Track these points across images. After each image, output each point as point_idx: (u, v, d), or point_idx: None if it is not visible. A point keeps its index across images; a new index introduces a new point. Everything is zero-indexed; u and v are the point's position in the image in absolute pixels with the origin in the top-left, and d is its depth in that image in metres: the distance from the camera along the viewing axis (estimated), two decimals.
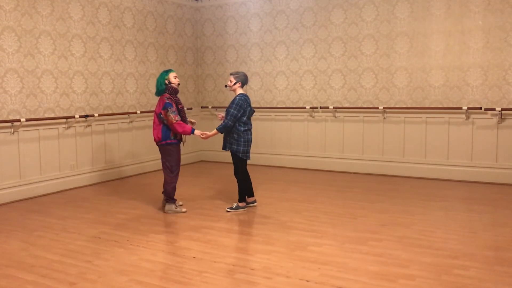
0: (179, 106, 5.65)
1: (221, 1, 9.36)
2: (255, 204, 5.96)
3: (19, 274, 3.92)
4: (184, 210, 5.78)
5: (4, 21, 6.25)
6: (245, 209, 5.85)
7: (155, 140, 5.68)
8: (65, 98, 7.08)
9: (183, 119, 5.69)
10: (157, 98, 5.92)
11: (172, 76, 5.62)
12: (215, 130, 5.68)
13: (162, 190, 5.88)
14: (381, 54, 7.79)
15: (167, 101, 5.49)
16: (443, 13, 7.27)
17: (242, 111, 5.56)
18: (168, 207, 5.76)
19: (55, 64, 6.91)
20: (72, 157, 7.23)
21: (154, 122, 5.68)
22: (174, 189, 5.78)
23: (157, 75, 8.63)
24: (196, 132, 5.63)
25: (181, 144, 5.89)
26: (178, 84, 5.69)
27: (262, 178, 7.84)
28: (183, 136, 5.86)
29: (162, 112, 5.50)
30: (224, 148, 5.76)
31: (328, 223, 5.22)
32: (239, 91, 5.71)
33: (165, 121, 5.53)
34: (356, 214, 5.55)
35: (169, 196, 5.77)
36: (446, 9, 7.25)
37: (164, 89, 5.61)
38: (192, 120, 6.00)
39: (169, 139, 5.59)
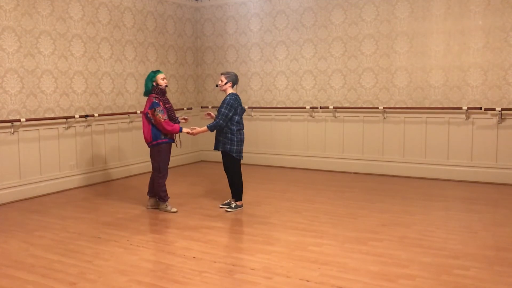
0: (167, 105, 5.67)
1: (221, 1, 9.36)
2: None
3: (19, 274, 3.92)
4: (174, 209, 5.81)
5: (4, 21, 6.25)
6: (242, 207, 5.89)
7: (146, 141, 5.72)
8: (65, 98, 7.08)
9: (172, 118, 5.73)
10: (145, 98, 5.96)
11: (160, 78, 5.65)
12: (205, 127, 5.70)
13: (148, 190, 6.00)
14: (381, 54, 7.79)
15: (154, 101, 5.55)
16: (443, 13, 7.27)
17: (233, 110, 5.59)
18: (161, 206, 5.85)
19: (55, 64, 6.91)
20: (72, 157, 7.23)
21: (143, 123, 5.70)
22: (164, 191, 5.81)
23: None
24: (184, 129, 5.73)
25: (176, 145, 5.94)
26: (166, 86, 5.73)
27: (262, 178, 7.84)
28: (176, 137, 5.89)
29: (149, 111, 5.55)
30: (216, 148, 5.77)
31: (328, 223, 5.22)
32: (230, 91, 5.74)
33: (153, 121, 5.56)
34: (356, 214, 5.55)
35: (160, 197, 5.83)
36: (446, 9, 7.25)
37: (151, 90, 5.66)
38: (186, 117, 6.02)
39: (159, 139, 5.64)
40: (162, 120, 5.51)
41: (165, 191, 5.82)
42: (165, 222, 5.41)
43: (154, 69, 8.55)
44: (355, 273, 3.80)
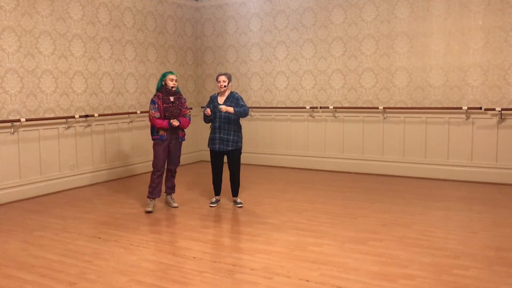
0: (164, 105, 5.71)
1: (221, 1, 9.36)
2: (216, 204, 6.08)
3: (19, 274, 3.92)
4: (149, 209, 5.74)
5: (4, 21, 6.25)
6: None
7: None
8: (65, 98, 7.08)
9: (172, 116, 5.76)
10: None
11: (168, 79, 5.80)
12: (232, 109, 5.71)
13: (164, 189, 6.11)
14: (381, 54, 7.79)
15: (152, 98, 5.79)
16: (443, 13, 7.27)
17: None
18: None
19: (55, 64, 6.91)
20: (72, 157, 7.23)
21: None
22: (152, 187, 5.79)
23: (157, 75, 8.69)
24: (173, 122, 5.69)
25: (170, 142, 5.83)
26: (172, 87, 5.79)
27: (262, 178, 7.84)
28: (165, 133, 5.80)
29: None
30: (226, 147, 5.78)
31: (328, 223, 5.22)
32: (229, 89, 5.97)
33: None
34: (356, 214, 5.55)
35: (148, 192, 5.83)
36: (446, 9, 7.25)
37: (159, 89, 5.85)
38: (175, 123, 5.76)
39: (153, 135, 5.83)
40: (151, 117, 5.71)
41: (153, 187, 5.78)
42: (165, 222, 5.41)
43: (154, 69, 8.64)
44: (355, 273, 3.80)
